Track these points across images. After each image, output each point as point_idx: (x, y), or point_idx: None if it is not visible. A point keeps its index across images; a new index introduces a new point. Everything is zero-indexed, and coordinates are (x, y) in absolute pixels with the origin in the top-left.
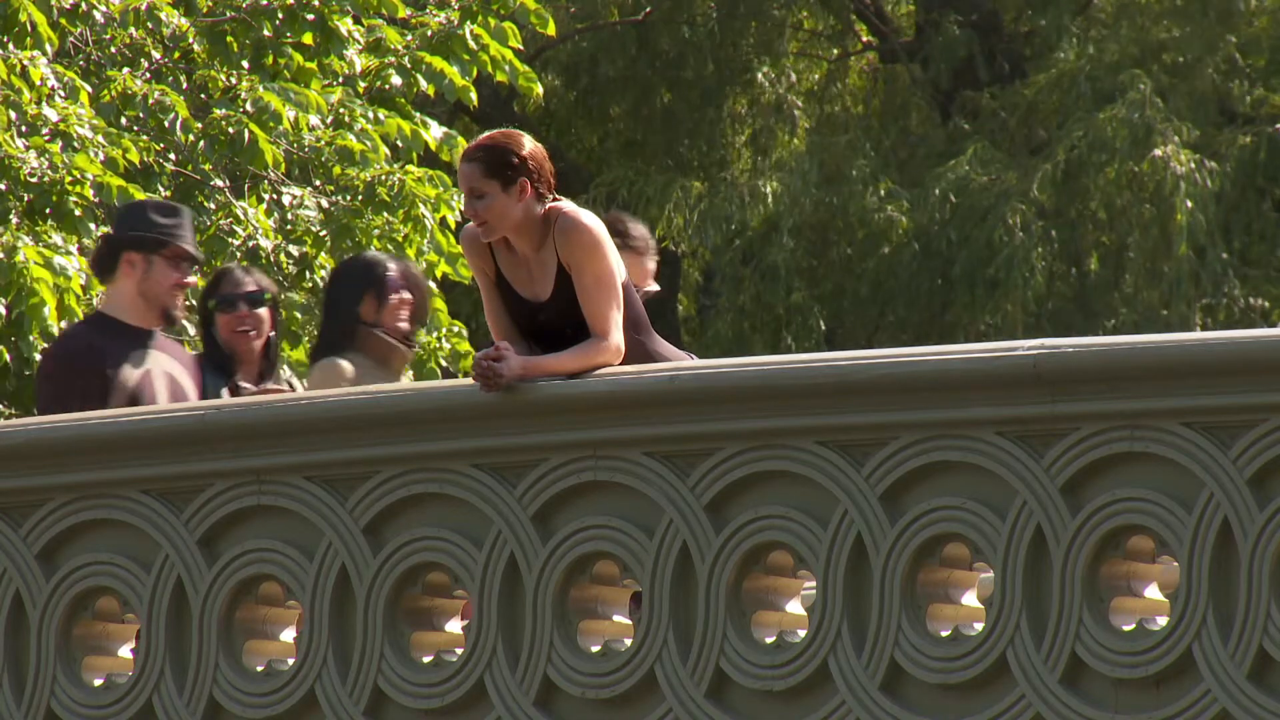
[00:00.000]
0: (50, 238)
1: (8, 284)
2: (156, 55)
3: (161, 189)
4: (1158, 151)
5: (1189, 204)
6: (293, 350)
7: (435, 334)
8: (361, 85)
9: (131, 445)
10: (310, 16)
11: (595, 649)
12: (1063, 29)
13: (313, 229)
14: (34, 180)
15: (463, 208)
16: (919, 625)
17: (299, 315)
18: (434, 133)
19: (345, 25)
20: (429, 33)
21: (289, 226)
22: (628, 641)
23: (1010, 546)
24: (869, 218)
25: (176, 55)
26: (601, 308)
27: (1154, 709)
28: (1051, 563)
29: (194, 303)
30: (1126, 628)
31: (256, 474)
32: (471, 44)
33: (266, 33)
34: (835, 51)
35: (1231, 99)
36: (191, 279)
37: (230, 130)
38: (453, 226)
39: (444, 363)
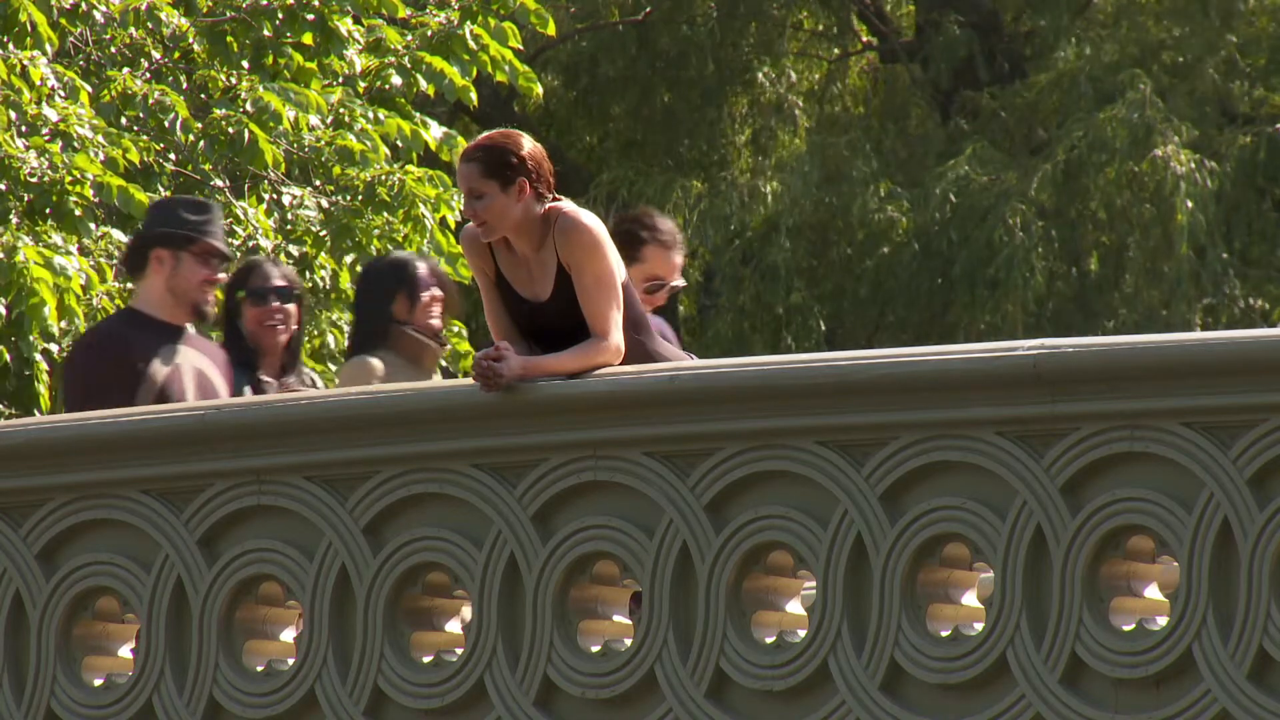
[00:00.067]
0: (50, 238)
1: (8, 284)
2: (156, 55)
3: (161, 189)
4: (1158, 151)
5: (1189, 204)
6: None
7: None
8: (361, 85)
9: (131, 445)
10: (310, 16)
11: (595, 649)
12: (1063, 29)
13: (313, 229)
14: (34, 180)
15: (462, 208)
16: (919, 625)
17: None
18: (434, 133)
19: (345, 25)
20: (429, 33)
21: (289, 226)
22: (628, 641)
23: (1010, 546)
24: (869, 218)
25: (176, 55)
26: (601, 308)
27: (1154, 709)
28: (1051, 563)
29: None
30: (1126, 628)
31: (256, 474)
32: (471, 44)
33: (266, 33)
34: (835, 51)
35: (1232, 99)
36: (221, 275)
37: (230, 130)
38: (453, 226)
39: (444, 363)
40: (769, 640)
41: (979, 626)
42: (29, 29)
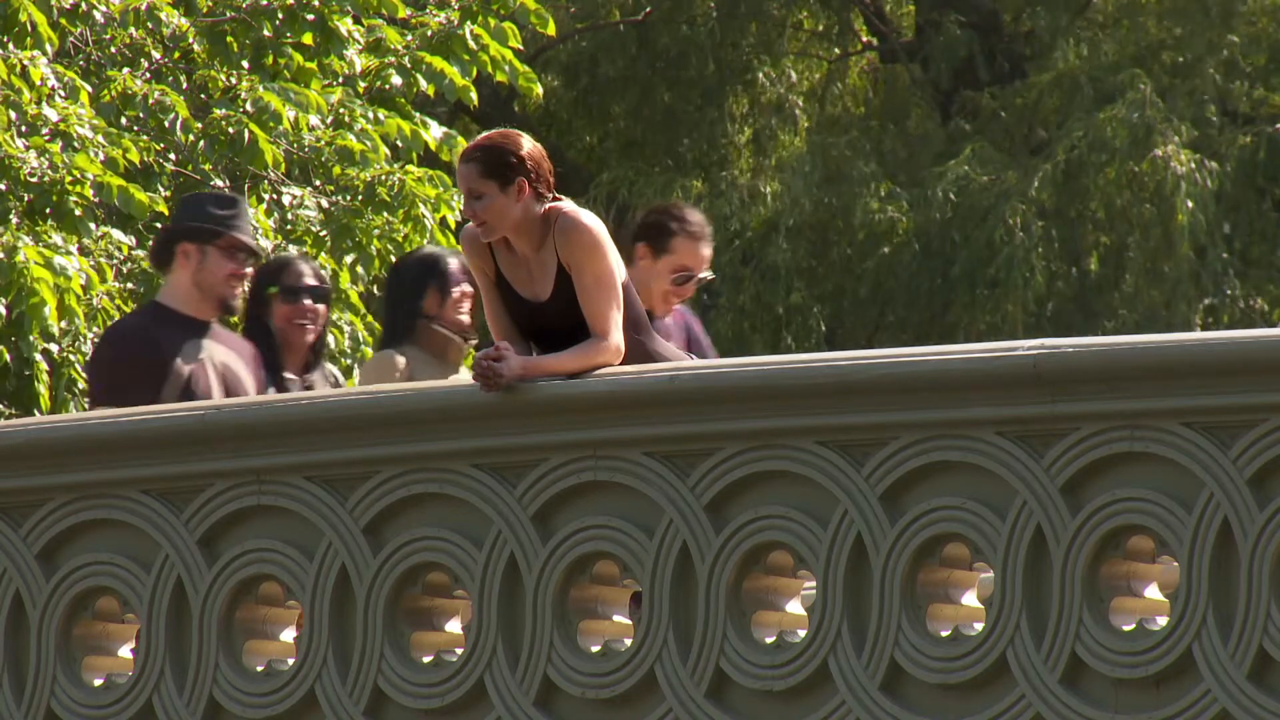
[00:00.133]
0: (50, 238)
1: (8, 284)
2: (156, 55)
3: (161, 189)
4: (1158, 151)
5: (1189, 204)
6: None
7: None
8: (361, 85)
9: (131, 445)
10: (310, 16)
11: (595, 649)
12: (1062, 29)
13: (313, 229)
14: (34, 180)
15: (462, 208)
16: (919, 625)
17: None
18: (434, 133)
19: (345, 25)
20: (429, 33)
21: (289, 226)
22: (628, 641)
23: (1010, 546)
24: (869, 218)
25: (176, 55)
26: (601, 308)
27: (1154, 709)
28: (1051, 563)
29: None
30: (1126, 628)
31: (256, 474)
32: (471, 44)
33: (266, 33)
34: (835, 51)
35: (1232, 99)
36: (248, 269)
37: (230, 130)
38: (453, 226)
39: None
40: (769, 640)
41: (979, 626)
42: (29, 29)
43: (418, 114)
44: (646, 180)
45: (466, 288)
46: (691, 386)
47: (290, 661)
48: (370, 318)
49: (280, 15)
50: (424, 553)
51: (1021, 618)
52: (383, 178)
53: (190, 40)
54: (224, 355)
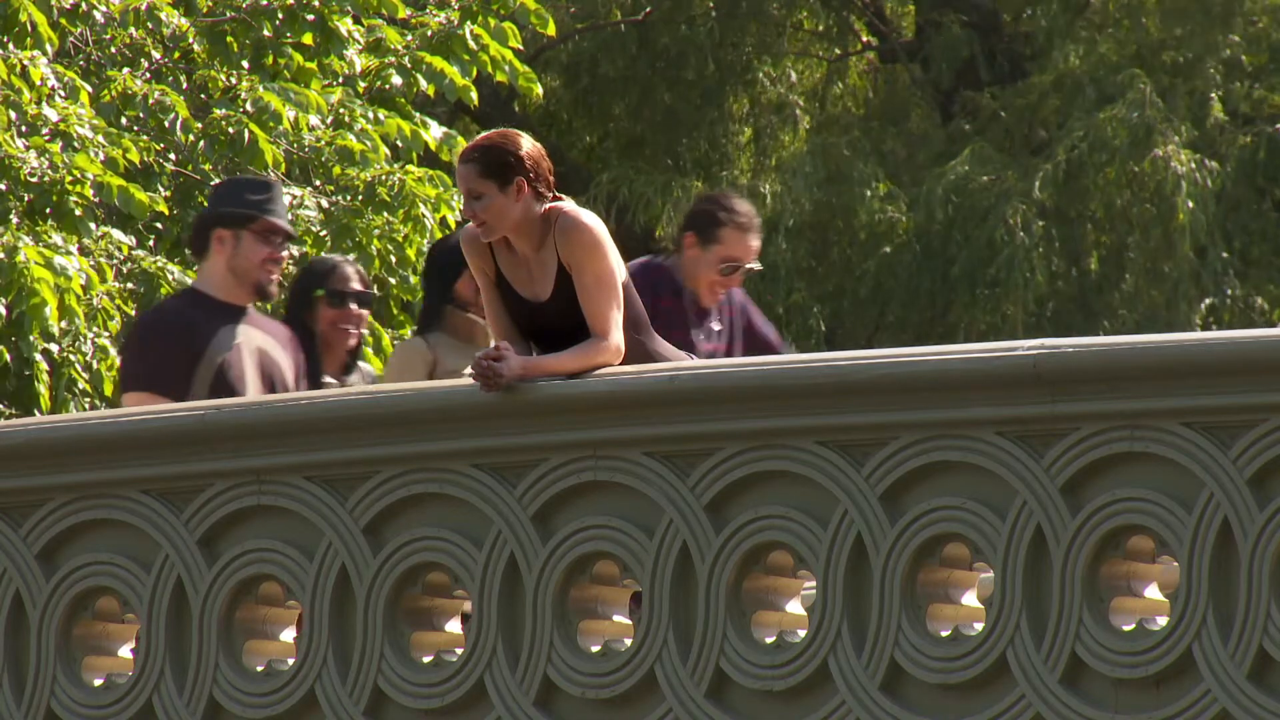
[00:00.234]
0: (50, 238)
1: (8, 284)
2: (156, 55)
3: (161, 189)
4: (1158, 151)
5: (1189, 204)
6: None
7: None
8: (361, 85)
9: (131, 445)
10: (310, 17)
11: (595, 649)
12: (1062, 29)
13: (313, 229)
14: (34, 180)
15: (462, 208)
16: (919, 625)
17: None
18: (434, 133)
19: (345, 25)
20: (429, 33)
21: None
22: (628, 641)
23: (1010, 546)
24: (869, 218)
25: (176, 55)
26: (601, 307)
27: (1154, 709)
28: (1051, 563)
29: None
30: (1126, 628)
31: (256, 474)
32: (471, 44)
33: (266, 33)
34: (835, 52)
35: (1232, 98)
36: (284, 253)
37: (230, 130)
38: (453, 226)
39: None
40: (769, 640)
41: (979, 626)
42: (29, 29)
43: (418, 114)
44: (647, 180)
45: None
46: (691, 386)
47: (290, 661)
48: (370, 317)
49: (280, 15)
50: (424, 553)
51: (1021, 618)
52: (383, 178)
53: (190, 40)
54: (261, 340)
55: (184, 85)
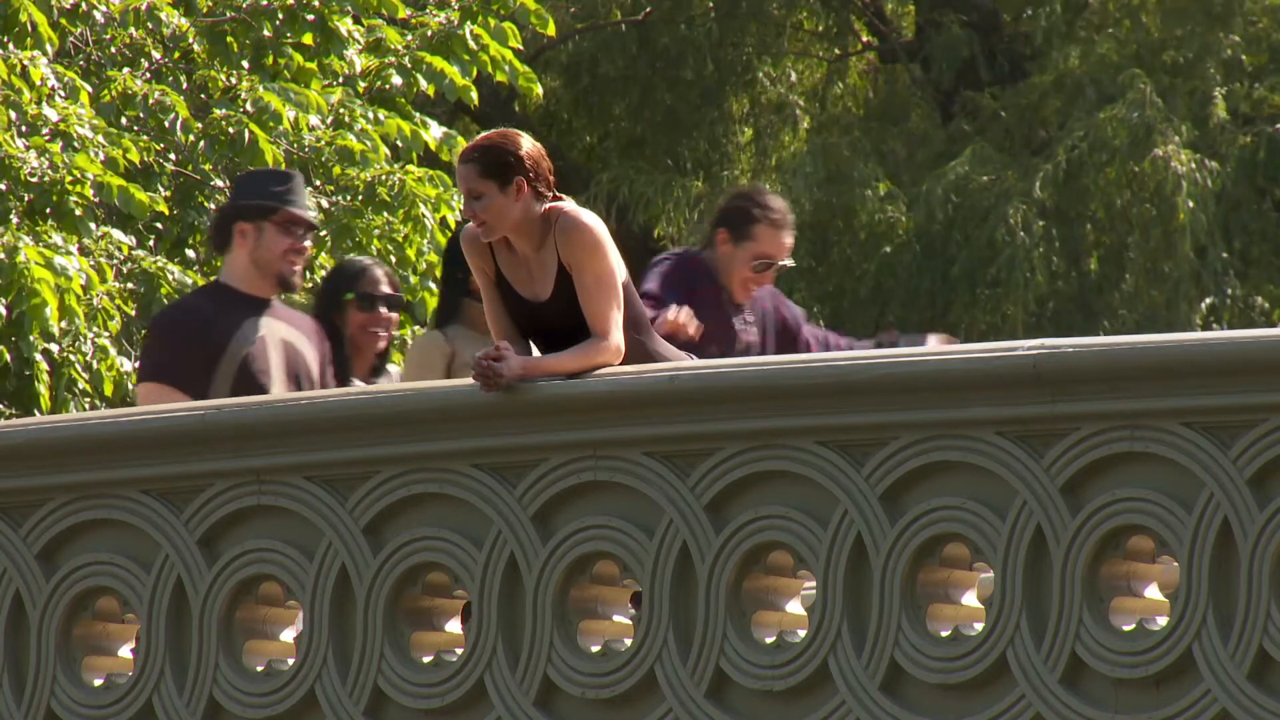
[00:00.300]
0: (50, 238)
1: (8, 284)
2: (156, 55)
3: (161, 189)
4: (1158, 151)
5: (1190, 204)
6: None
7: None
8: (361, 85)
9: (131, 445)
10: (310, 17)
11: (595, 649)
12: (1061, 29)
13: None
14: (34, 180)
15: (462, 208)
16: (919, 625)
17: None
18: (434, 133)
19: (345, 25)
20: (429, 33)
21: None
22: (628, 641)
23: (1010, 546)
24: (869, 218)
25: (176, 55)
26: (602, 307)
27: (1154, 709)
28: (1051, 563)
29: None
30: (1126, 628)
31: (256, 474)
32: (471, 44)
33: (266, 33)
34: (835, 51)
35: (1232, 98)
36: (306, 243)
37: (230, 130)
38: (453, 226)
39: None
40: (769, 640)
41: (979, 626)
42: (29, 29)
43: (418, 114)
44: (647, 180)
45: None
46: (691, 386)
47: (290, 661)
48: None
49: (280, 15)
50: (424, 553)
51: (1021, 618)
52: (383, 178)
53: (190, 40)
54: (285, 331)
55: (184, 85)
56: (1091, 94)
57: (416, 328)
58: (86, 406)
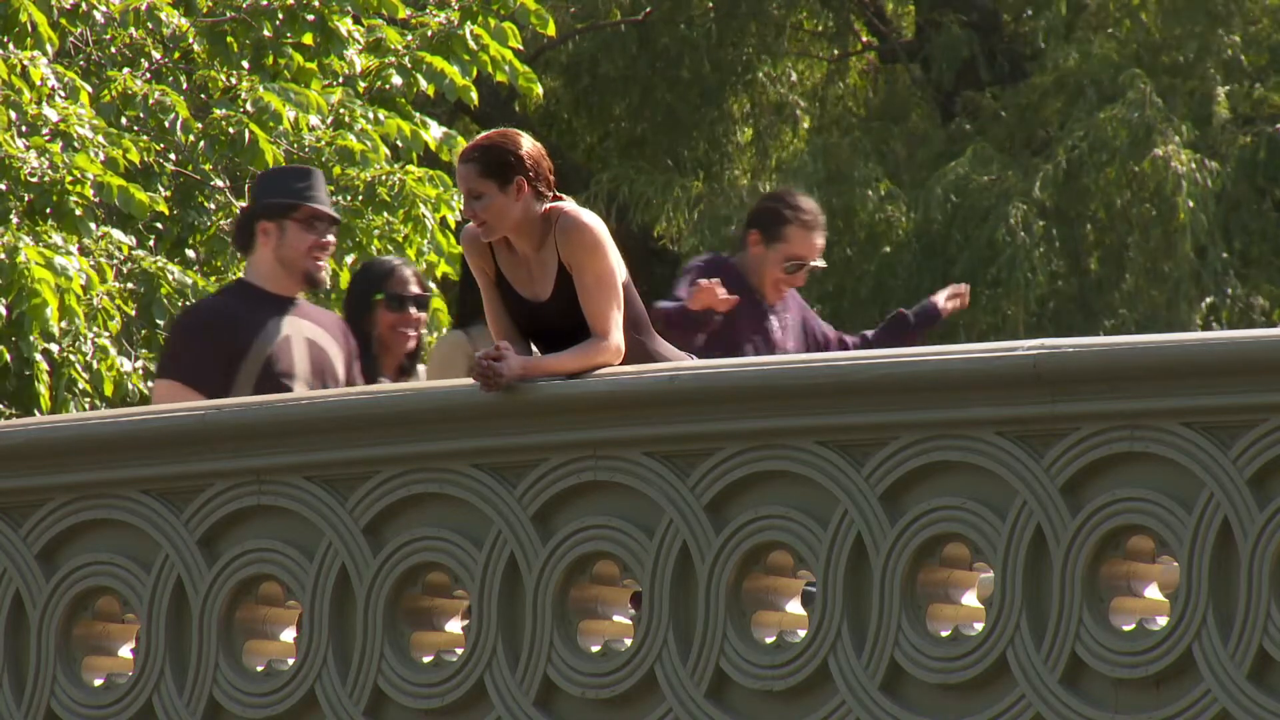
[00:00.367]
0: (50, 238)
1: (8, 284)
2: (156, 55)
3: (161, 189)
4: (1158, 151)
5: (1190, 204)
6: None
7: (435, 334)
8: (361, 85)
9: (131, 445)
10: (310, 17)
11: (595, 649)
12: (1062, 29)
13: None
14: (34, 180)
15: (462, 208)
16: (919, 625)
17: None
18: (434, 133)
19: (345, 25)
20: (429, 33)
21: None
22: (628, 641)
23: (1010, 546)
24: (869, 218)
25: (176, 55)
26: (602, 307)
27: (1154, 709)
28: (1051, 563)
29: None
30: (1126, 628)
31: (256, 474)
32: (471, 44)
33: (266, 33)
34: (835, 52)
35: (1233, 98)
36: (330, 238)
37: (230, 130)
38: (453, 226)
39: None
40: (769, 640)
41: (979, 626)
42: (29, 29)
43: (418, 114)
44: (647, 180)
45: None
46: (691, 386)
47: (290, 661)
48: None
49: (280, 15)
50: (424, 553)
51: (1021, 618)
52: (383, 178)
53: (190, 40)
54: (310, 330)
55: (184, 85)
56: (1091, 94)
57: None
58: (86, 406)
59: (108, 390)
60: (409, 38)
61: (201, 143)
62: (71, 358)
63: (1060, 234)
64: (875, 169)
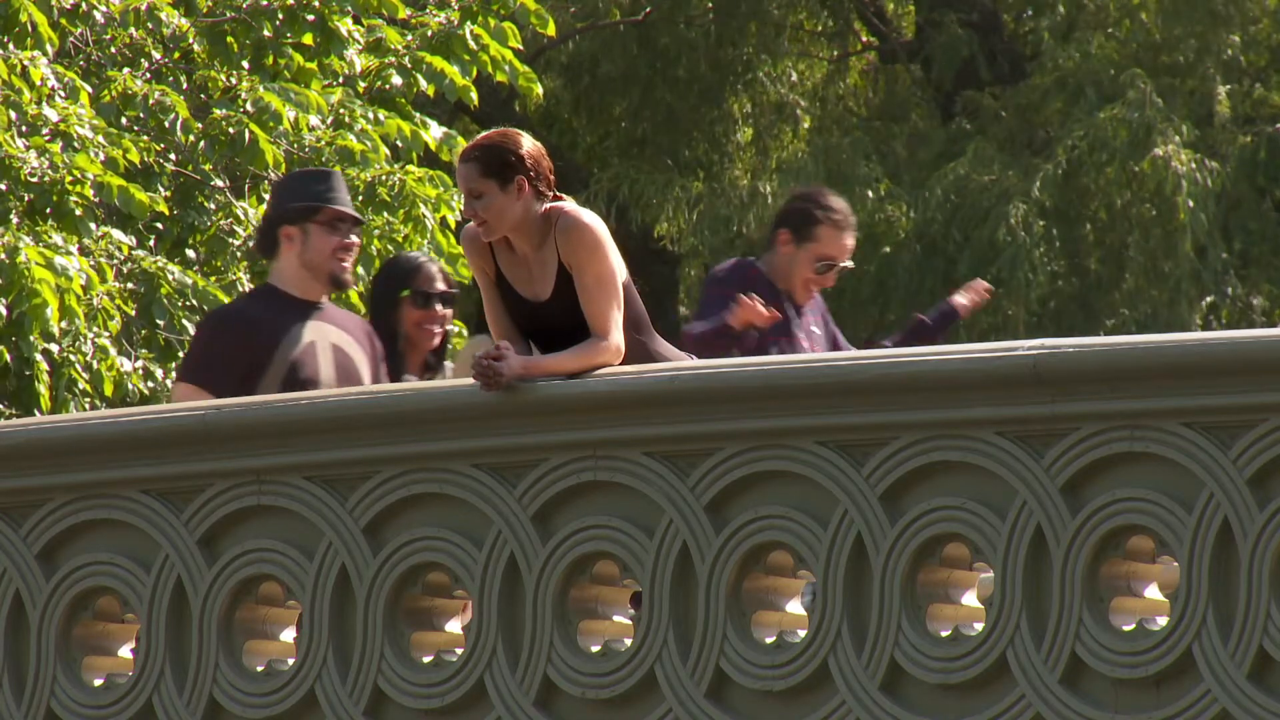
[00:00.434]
0: (50, 238)
1: (9, 284)
2: (156, 55)
3: (161, 189)
4: (1158, 151)
5: (1190, 203)
6: None
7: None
8: (361, 85)
9: (131, 445)
10: (310, 17)
11: (595, 649)
12: (1062, 29)
13: None
14: (34, 180)
15: (462, 208)
16: (919, 625)
17: None
18: (434, 133)
19: (345, 25)
20: (429, 33)
21: None
22: (628, 641)
23: (1010, 546)
24: (870, 218)
25: (176, 55)
26: (602, 307)
27: (1154, 709)
28: (1051, 563)
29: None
30: (1126, 628)
31: (256, 474)
32: (471, 44)
33: (266, 33)
34: (835, 52)
35: (1233, 98)
36: (354, 239)
37: (230, 130)
38: (453, 226)
39: None
40: (769, 640)
41: (979, 626)
42: (29, 29)
43: (418, 114)
44: (647, 180)
45: None
46: (691, 386)
47: (290, 661)
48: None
49: (280, 15)
50: (424, 553)
51: (1021, 618)
52: (383, 178)
53: (190, 40)
54: (336, 336)
55: (184, 85)
56: (1091, 94)
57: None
58: (86, 406)
59: (108, 390)
60: (409, 38)
61: (201, 143)
62: (71, 358)
63: (1060, 234)
64: (875, 169)
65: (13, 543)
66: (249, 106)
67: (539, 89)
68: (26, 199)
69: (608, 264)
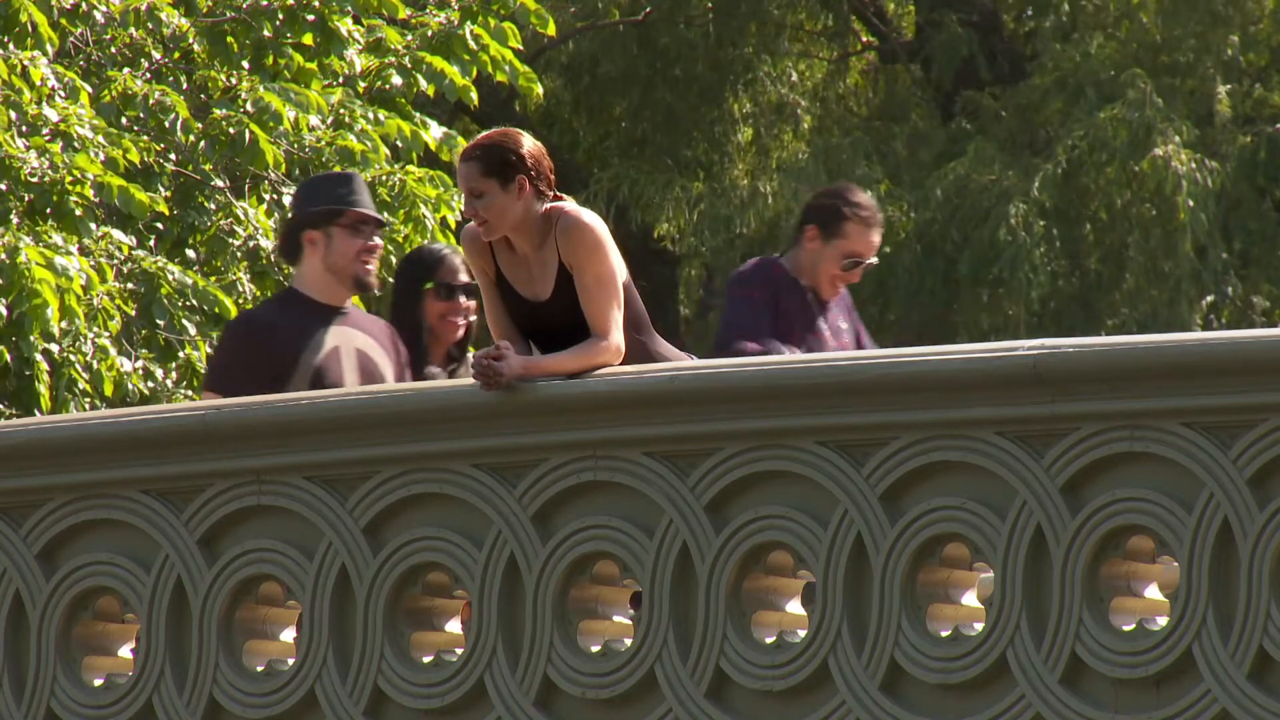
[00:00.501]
0: (51, 238)
1: (9, 284)
2: (156, 55)
3: (161, 189)
4: (1158, 151)
5: (1190, 203)
6: None
7: None
8: (361, 85)
9: (131, 445)
10: (310, 17)
11: (595, 649)
12: (1062, 29)
13: None
14: (34, 180)
15: (463, 208)
16: (919, 625)
17: None
18: (434, 133)
19: (345, 25)
20: (429, 33)
21: None
22: (628, 641)
23: (1010, 546)
24: None
25: (176, 55)
26: (602, 307)
27: (1154, 709)
28: (1051, 563)
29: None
30: (1126, 628)
31: (256, 474)
32: (471, 44)
33: (266, 33)
34: (835, 52)
35: (1233, 98)
36: (377, 241)
37: (230, 130)
38: (453, 227)
39: None
40: (769, 640)
41: (979, 626)
42: (29, 29)
43: (418, 114)
44: (647, 180)
45: None
46: (691, 386)
47: (290, 661)
48: None
49: (280, 15)
50: (424, 553)
51: (1021, 618)
52: (383, 178)
53: (190, 40)
54: (360, 340)
55: (184, 85)
56: (1091, 94)
57: None
58: (86, 406)
59: (108, 390)
60: (409, 38)
61: (201, 143)
62: (71, 358)
63: (1060, 234)
64: (875, 169)
65: (13, 543)
66: (249, 106)
67: (539, 89)
68: (26, 199)
69: (608, 264)
